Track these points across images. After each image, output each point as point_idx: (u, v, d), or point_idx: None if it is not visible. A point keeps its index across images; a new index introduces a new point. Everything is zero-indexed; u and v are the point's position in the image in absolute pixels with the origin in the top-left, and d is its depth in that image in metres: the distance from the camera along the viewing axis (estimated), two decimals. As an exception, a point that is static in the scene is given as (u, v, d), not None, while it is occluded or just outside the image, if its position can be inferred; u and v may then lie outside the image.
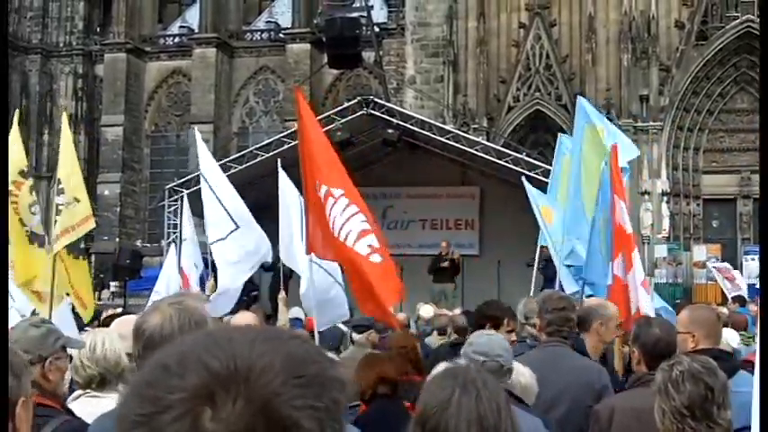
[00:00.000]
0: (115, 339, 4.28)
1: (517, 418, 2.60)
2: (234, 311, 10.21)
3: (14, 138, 9.14)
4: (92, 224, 9.19)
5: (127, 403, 1.05)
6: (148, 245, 39.10)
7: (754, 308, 16.11)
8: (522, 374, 4.68)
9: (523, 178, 12.90)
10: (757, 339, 3.72)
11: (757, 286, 19.80)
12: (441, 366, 3.30)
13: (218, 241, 10.32)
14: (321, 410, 1.05)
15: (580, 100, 11.61)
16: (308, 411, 1.03)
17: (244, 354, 1.04)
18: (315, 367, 1.08)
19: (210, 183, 10.50)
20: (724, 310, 14.92)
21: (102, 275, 35.20)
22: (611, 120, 32.92)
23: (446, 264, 20.93)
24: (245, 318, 6.92)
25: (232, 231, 10.10)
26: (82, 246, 44.01)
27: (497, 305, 7.13)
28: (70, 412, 3.70)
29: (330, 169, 7.03)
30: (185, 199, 17.19)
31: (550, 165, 13.96)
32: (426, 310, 12.85)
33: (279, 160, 11.44)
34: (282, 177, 10.76)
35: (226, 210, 10.32)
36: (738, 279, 19.56)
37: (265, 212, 19.54)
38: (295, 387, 1.04)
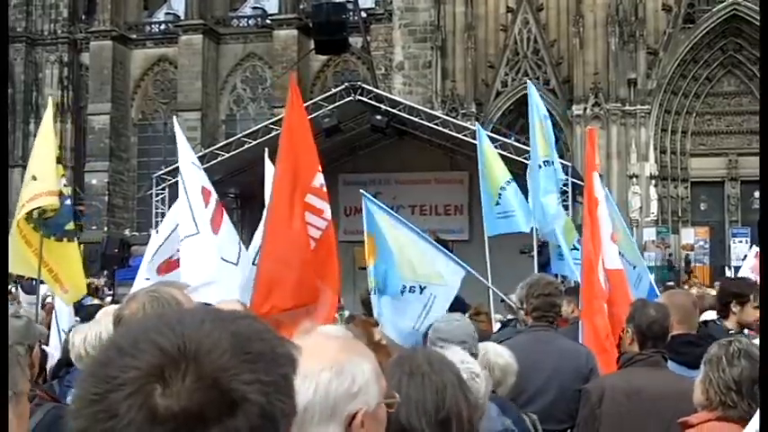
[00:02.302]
0: None
1: (475, 395, 2.58)
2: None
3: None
4: (47, 200, 9.01)
5: (82, 383, 1.09)
6: (137, 233, 38.99)
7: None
8: (500, 355, 4.69)
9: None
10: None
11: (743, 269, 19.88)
12: None
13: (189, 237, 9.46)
14: (269, 385, 1.09)
15: (529, 84, 12.18)
16: (256, 386, 1.07)
17: (193, 333, 1.09)
18: (262, 344, 1.12)
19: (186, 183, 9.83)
20: (712, 291, 14.96)
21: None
22: (597, 104, 33.12)
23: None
24: (230, 305, 6.89)
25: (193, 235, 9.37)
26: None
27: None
28: (55, 399, 3.69)
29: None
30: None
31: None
32: (417, 296, 12.82)
33: (266, 149, 11.25)
34: (269, 168, 10.58)
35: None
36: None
37: (250, 201, 19.56)
38: (243, 363, 1.08)
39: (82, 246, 39.24)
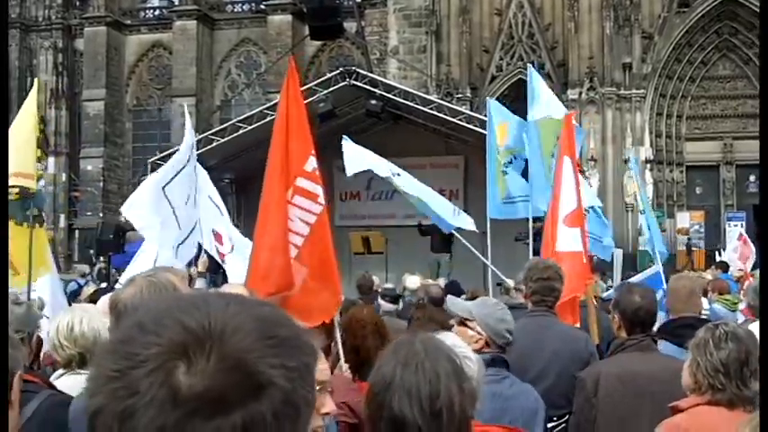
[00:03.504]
0: (93, 317, 4.21)
1: (470, 382, 2.59)
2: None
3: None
4: (22, 182, 8.92)
5: (101, 361, 1.07)
6: (132, 219, 38.91)
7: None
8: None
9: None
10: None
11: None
12: None
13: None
14: (293, 371, 1.07)
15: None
16: (281, 371, 1.06)
17: (218, 314, 1.07)
18: (286, 330, 1.11)
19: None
20: (707, 275, 15.02)
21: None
22: (593, 88, 33.07)
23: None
24: (236, 290, 6.87)
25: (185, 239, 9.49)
26: (62, 222, 43.96)
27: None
28: (52, 387, 3.69)
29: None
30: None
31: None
32: (412, 281, 12.85)
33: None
34: None
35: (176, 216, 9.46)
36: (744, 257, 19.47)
37: (245, 187, 19.58)
38: (268, 347, 1.06)
39: (77, 232, 38.97)
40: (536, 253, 12.76)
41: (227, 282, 11.37)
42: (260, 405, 1.03)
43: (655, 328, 5.18)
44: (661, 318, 6.87)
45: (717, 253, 24.14)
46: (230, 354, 1.04)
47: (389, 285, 13.21)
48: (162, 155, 23.70)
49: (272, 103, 23.93)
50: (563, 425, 5.26)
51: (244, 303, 1.12)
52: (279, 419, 1.05)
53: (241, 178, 23.12)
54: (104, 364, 1.06)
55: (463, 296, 11.36)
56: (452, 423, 2.38)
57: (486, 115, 15.78)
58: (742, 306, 9.93)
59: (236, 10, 46.17)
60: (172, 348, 1.03)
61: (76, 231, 43.41)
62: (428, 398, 2.36)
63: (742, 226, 27.46)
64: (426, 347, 2.48)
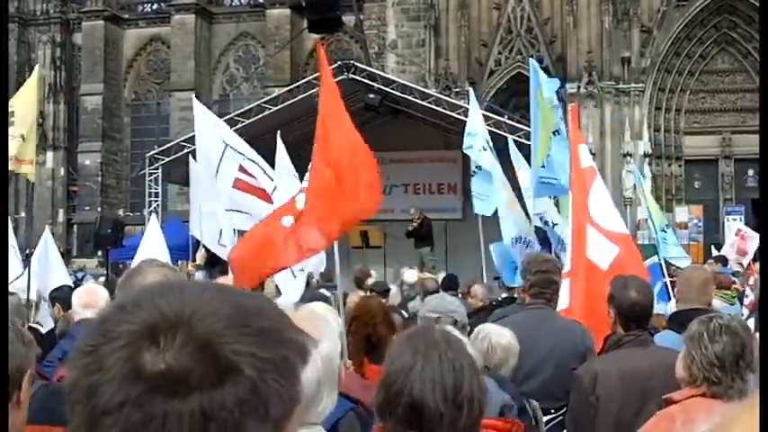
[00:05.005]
0: None
1: (484, 379, 2.59)
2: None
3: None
4: (26, 169, 8.92)
5: (83, 337, 1.10)
6: (131, 214, 38.94)
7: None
8: (503, 336, 4.69)
9: (510, 140, 13.07)
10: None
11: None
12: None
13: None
14: (266, 362, 1.04)
15: (532, 62, 11.86)
16: (249, 359, 1.03)
17: (193, 299, 1.08)
18: (265, 321, 1.09)
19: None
20: (706, 268, 15.03)
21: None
22: (591, 82, 33.03)
23: (411, 228, 21.51)
24: (225, 281, 6.92)
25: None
26: (61, 217, 43.91)
27: None
28: (44, 377, 3.69)
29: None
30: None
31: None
32: (410, 275, 12.88)
33: (279, 132, 11.63)
34: (281, 148, 11.02)
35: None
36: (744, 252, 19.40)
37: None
38: (240, 335, 1.05)
39: (75, 227, 38.94)
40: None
41: (226, 274, 11.44)
42: (222, 392, 1.01)
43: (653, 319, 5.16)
44: (657, 308, 6.85)
45: (713, 247, 24.12)
46: (198, 336, 1.04)
47: (374, 280, 13.31)
48: (160, 149, 23.69)
49: (270, 96, 23.92)
50: (560, 417, 5.25)
51: (222, 291, 1.12)
52: (243, 412, 1.02)
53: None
54: (84, 340, 1.09)
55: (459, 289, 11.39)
56: (471, 417, 2.37)
57: (485, 109, 15.80)
58: (747, 300, 9.97)
59: (234, 4, 46.11)
60: (143, 329, 1.05)
61: (75, 226, 43.39)
62: (452, 388, 2.36)
63: (741, 220, 27.47)
64: (447, 339, 2.48)
